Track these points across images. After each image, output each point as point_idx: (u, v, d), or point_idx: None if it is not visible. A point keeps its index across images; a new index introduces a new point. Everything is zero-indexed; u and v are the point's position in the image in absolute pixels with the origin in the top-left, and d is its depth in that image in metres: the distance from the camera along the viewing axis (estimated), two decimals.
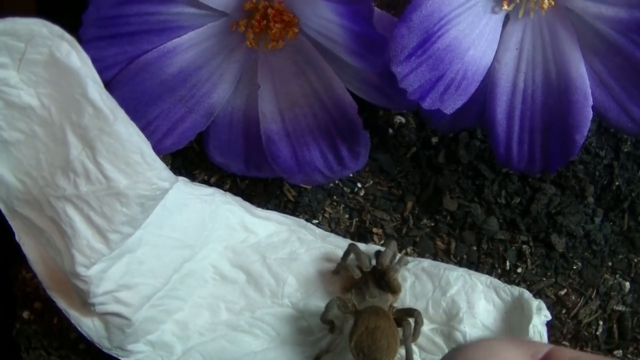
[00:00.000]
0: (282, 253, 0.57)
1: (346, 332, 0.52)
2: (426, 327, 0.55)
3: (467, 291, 0.55)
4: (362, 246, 0.56)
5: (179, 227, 0.54)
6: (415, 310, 0.53)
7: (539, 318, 0.53)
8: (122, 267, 0.51)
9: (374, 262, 0.54)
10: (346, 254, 0.55)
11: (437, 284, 0.55)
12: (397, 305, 0.55)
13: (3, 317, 0.60)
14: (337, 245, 0.57)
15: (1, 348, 0.60)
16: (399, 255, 0.55)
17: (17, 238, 0.53)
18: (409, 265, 0.56)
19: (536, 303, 0.54)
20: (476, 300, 0.55)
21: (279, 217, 0.58)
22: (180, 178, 0.55)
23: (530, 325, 0.53)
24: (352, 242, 0.56)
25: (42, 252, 0.52)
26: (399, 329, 0.53)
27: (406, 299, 0.55)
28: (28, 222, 0.51)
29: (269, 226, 0.58)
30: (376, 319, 0.52)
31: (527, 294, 0.54)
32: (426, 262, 0.57)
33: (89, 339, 0.54)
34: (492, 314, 0.55)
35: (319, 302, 0.56)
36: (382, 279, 0.54)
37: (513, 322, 0.54)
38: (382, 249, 0.55)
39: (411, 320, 0.53)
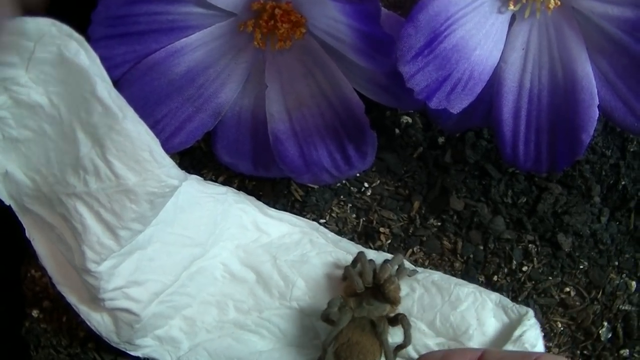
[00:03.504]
0: (293, 255, 0.57)
1: (341, 325, 0.52)
2: (432, 341, 0.55)
3: (477, 308, 0.54)
4: (372, 253, 0.56)
5: (191, 225, 0.54)
6: (400, 314, 0.53)
7: (521, 328, 0.53)
8: (132, 263, 0.52)
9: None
10: (354, 262, 0.55)
11: (446, 298, 0.55)
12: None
13: (12, 316, 0.60)
14: (348, 251, 0.57)
15: (10, 346, 0.60)
16: (407, 266, 0.55)
17: (27, 234, 0.53)
18: (419, 277, 0.56)
19: (529, 323, 0.54)
20: (486, 317, 0.54)
21: (291, 219, 0.59)
22: (193, 176, 0.56)
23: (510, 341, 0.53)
24: (361, 250, 0.56)
25: (52, 248, 0.53)
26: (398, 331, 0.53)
27: (414, 309, 0.55)
28: (39, 218, 0.52)
29: (281, 227, 0.58)
30: (360, 335, 0.53)
31: (530, 313, 0.54)
32: (436, 275, 0.56)
33: (97, 333, 0.54)
34: (501, 332, 0.54)
35: (326, 307, 0.56)
36: (379, 289, 0.54)
37: None
38: (391, 257, 0.55)
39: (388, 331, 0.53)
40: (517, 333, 0.53)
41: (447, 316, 0.55)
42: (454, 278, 0.57)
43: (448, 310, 0.55)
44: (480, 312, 0.55)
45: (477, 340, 0.54)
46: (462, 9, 0.52)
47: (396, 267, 0.54)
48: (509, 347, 0.52)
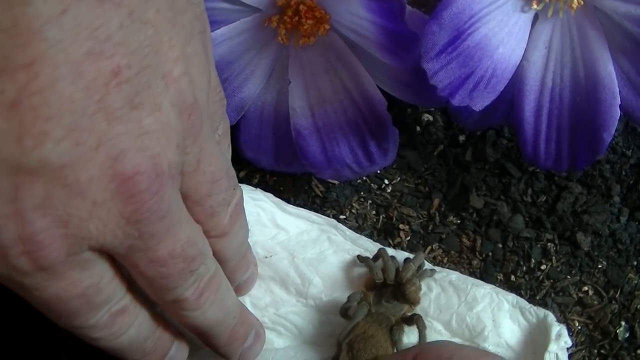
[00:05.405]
0: (310, 253, 0.57)
1: (357, 319, 0.53)
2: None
3: (493, 309, 0.54)
4: (390, 251, 0.56)
5: None
6: (416, 314, 0.53)
7: (558, 344, 0.52)
8: None
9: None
10: (375, 258, 0.55)
11: (463, 299, 0.55)
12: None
13: None
14: (367, 248, 0.57)
15: None
16: (426, 267, 0.55)
17: None
18: (437, 276, 0.56)
19: (557, 329, 0.52)
20: (502, 319, 0.54)
21: (310, 216, 0.58)
22: None
23: (546, 353, 0.52)
24: (382, 247, 0.56)
25: None
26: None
27: (430, 309, 0.55)
28: None
29: (299, 224, 0.58)
30: (376, 329, 0.52)
31: (550, 317, 0.53)
32: (454, 275, 0.56)
33: None
34: (517, 334, 0.54)
35: (344, 302, 0.56)
36: (399, 289, 0.54)
37: (537, 343, 0.53)
38: (411, 255, 0.55)
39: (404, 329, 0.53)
40: (554, 332, 0.53)
41: (464, 317, 0.54)
42: (471, 278, 0.57)
43: (464, 311, 0.55)
44: (496, 313, 0.54)
45: (492, 341, 0.54)
46: (486, 7, 0.52)
47: (422, 266, 0.55)
48: (553, 346, 0.52)
